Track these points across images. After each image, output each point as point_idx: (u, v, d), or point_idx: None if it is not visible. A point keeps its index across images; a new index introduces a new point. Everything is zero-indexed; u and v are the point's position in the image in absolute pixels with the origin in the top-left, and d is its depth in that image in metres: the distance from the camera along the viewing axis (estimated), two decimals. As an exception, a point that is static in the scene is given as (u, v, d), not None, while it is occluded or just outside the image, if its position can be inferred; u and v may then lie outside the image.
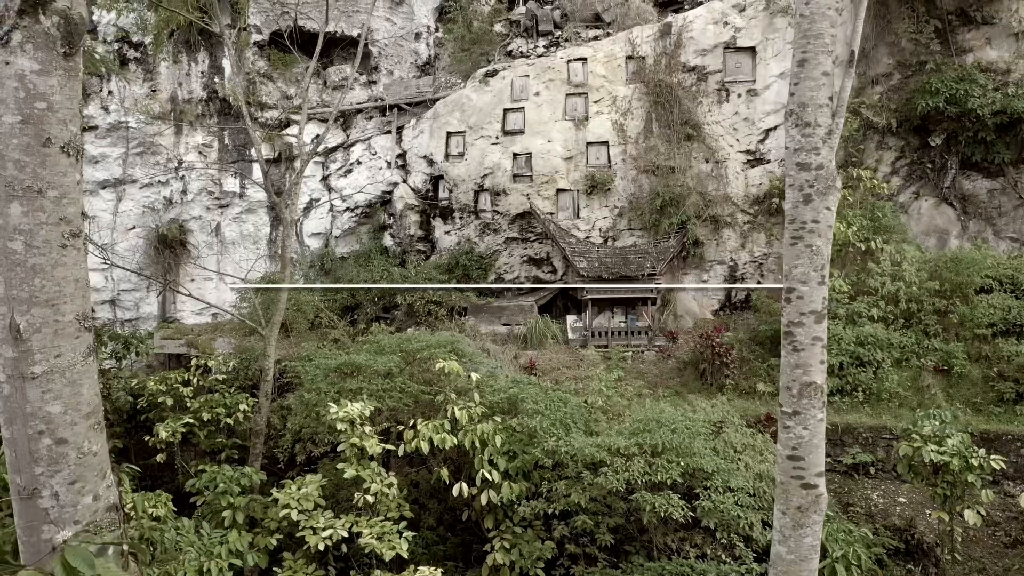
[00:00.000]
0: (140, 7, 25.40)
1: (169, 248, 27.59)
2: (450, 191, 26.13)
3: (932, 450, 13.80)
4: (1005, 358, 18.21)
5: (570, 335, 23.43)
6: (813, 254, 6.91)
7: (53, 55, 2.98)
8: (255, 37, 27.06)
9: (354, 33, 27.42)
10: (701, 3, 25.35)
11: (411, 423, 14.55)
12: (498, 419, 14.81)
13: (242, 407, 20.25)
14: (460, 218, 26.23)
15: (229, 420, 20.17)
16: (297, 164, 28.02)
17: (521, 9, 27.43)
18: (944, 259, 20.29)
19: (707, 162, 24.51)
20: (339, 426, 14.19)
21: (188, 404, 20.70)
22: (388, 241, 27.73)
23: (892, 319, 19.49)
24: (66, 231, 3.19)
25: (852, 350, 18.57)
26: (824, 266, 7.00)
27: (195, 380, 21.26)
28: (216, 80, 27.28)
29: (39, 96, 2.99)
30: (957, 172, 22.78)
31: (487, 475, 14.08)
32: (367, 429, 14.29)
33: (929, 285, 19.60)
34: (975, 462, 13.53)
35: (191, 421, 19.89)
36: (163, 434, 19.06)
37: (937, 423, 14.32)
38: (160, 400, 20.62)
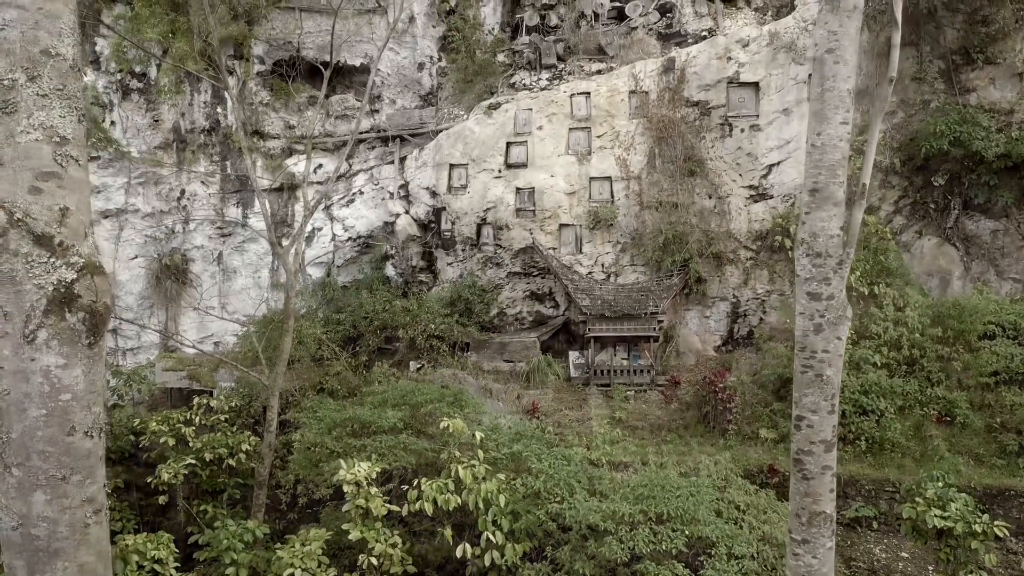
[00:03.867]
0: (143, 43, 25.37)
1: (171, 277, 27.57)
2: (452, 223, 26.13)
3: (936, 515, 13.81)
4: (1008, 408, 18.23)
5: (572, 372, 23.44)
6: (824, 384, 6.91)
7: (78, 347, 2.98)
8: (257, 68, 27.03)
9: (356, 63, 27.43)
10: (704, 38, 25.34)
11: (415, 483, 14.57)
12: (502, 476, 14.82)
13: (244, 447, 20.37)
14: (462, 251, 26.22)
15: (231, 461, 20.24)
16: (299, 194, 28.12)
17: (524, 39, 27.40)
18: (947, 304, 20.29)
19: (710, 198, 24.51)
20: (345, 488, 14.22)
21: (191, 443, 20.76)
22: (390, 271, 27.73)
23: (895, 366, 19.50)
24: (89, 511, 3.18)
25: (856, 398, 18.58)
26: (834, 395, 7.00)
27: (197, 419, 21.29)
28: (219, 110, 27.25)
29: (64, 388, 2.97)
30: (960, 212, 22.80)
31: (491, 536, 14.11)
32: (373, 490, 14.31)
33: (932, 332, 19.62)
34: (979, 528, 13.54)
35: (193, 462, 19.97)
36: (165, 476, 19.09)
37: (940, 485, 14.33)
38: (162, 440, 20.68)
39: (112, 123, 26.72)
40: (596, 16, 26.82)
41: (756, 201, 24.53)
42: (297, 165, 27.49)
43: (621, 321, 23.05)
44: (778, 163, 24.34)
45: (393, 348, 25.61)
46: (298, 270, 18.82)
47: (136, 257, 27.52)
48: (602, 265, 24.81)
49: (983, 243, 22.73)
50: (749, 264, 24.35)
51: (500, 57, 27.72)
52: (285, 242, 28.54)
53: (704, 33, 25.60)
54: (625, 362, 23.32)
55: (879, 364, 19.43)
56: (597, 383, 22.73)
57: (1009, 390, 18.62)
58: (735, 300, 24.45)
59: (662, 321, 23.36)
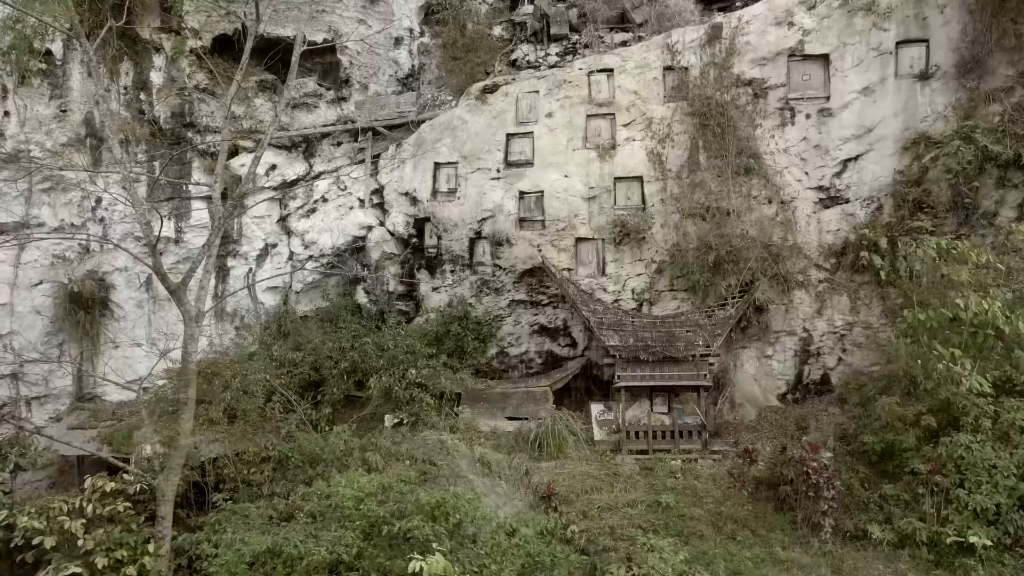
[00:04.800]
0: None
1: (85, 308, 21.86)
2: (439, 237, 20.58)
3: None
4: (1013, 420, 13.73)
5: (596, 434, 17.81)
6: None
7: None
8: (192, 43, 21.46)
9: (318, 38, 21.85)
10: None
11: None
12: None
13: (151, 547, 14.98)
14: (452, 272, 20.64)
15: (131, 572, 14.76)
16: (249, 202, 22.51)
17: (528, 8, 21.95)
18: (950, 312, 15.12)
19: (770, 202, 19.02)
20: None
21: (80, 542, 15.22)
22: (362, 298, 22.10)
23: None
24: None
25: (1012, 485, 13.06)
26: None
27: (90, 508, 15.64)
28: (142, 97, 21.68)
29: None
30: (963, 221, 17.71)
31: None
32: None
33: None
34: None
35: (77, 572, 14.59)
36: (32, 599, 13.52)
37: None
38: (35, 542, 15.12)
39: (6, 114, 21.12)
40: (618, -24, 21.41)
41: (828, 206, 19.10)
42: (244, 166, 21.90)
43: (660, 365, 17.52)
44: (856, 157, 18.92)
45: (364, 397, 19.92)
46: (202, 314, 13.13)
47: (41, 283, 21.82)
48: (632, 291, 19.27)
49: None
50: (823, 288, 18.83)
51: (497, 30, 22.29)
52: (231, 263, 23.06)
53: (757, -7, 20.15)
54: (666, 419, 17.73)
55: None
56: (630, 448, 17.12)
57: (1010, 400, 14.42)
58: (805, 335, 18.91)
59: (713, 364, 17.84)
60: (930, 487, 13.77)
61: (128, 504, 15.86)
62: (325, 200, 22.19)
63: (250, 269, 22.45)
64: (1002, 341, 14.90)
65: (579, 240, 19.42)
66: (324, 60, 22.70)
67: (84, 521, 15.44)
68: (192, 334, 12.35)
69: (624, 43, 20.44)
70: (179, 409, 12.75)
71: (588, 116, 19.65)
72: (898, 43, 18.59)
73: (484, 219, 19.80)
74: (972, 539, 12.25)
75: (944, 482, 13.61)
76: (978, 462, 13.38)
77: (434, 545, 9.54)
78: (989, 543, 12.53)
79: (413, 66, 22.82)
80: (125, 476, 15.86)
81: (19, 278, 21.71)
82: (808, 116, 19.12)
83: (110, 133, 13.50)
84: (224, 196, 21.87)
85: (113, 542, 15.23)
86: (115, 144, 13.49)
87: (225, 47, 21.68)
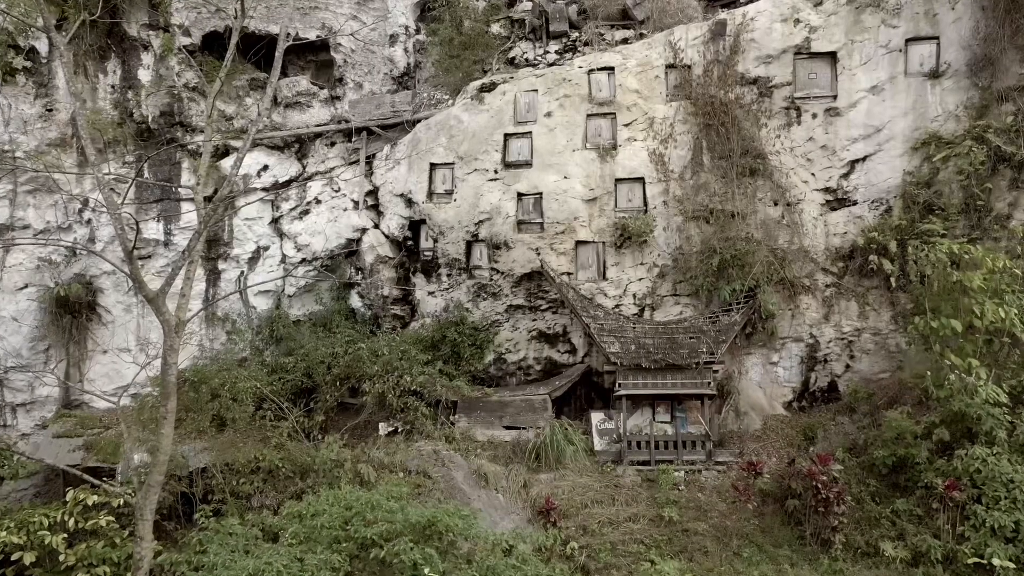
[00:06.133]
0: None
1: (72, 313, 21.30)
2: (435, 240, 20.00)
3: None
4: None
5: (597, 444, 17.25)
6: None
7: None
8: (182, 40, 20.89)
9: (311, 35, 21.32)
10: (763, -5, 19.32)
11: None
12: None
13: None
14: (448, 276, 20.06)
15: (114, 586, 14.21)
16: (240, 201, 21.96)
17: (526, 5, 21.39)
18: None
19: (775, 204, 18.48)
20: None
21: (61, 558, 14.69)
22: (356, 302, 21.52)
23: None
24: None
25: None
26: None
27: (72, 521, 15.10)
28: (130, 96, 21.10)
29: None
30: (975, 222, 17.18)
31: None
32: None
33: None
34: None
35: (59, 589, 14.00)
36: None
37: None
38: (16, 558, 14.57)
39: (-11, 113, 20.57)
40: (619, -28, 20.82)
41: (835, 208, 18.53)
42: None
43: (663, 373, 16.95)
44: (864, 158, 18.35)
45: (358, 404, 19.37)
46: (182, 323, 12.44)
47: (26, 287, 21.22)
48: (633, 296, 18.70)
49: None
50: (830, 292, 18.27)
51: (495, 28, 21.70)
52: (222, 266, 22.49)
53: (762, -11, 19.57)
54: (668, 428, 17.17)
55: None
56: (632, 459, 16.56)
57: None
58: (813, 341, 18.35)
59: (717, 372, 17.28)
60: (945, 502, 13.22)
61: (111, 518, 15.30)
62: (318, 202, 21.60)
63: (242, 272, 21.87)
64: (1018, 349, 14.34)
65: (579, 243, 18.84)
66: (317, 58, 22.17)
67: (66, 535, 14.94)
68: (172, 344, 11.74)
69: (625, 40, 19.87)
70: (158, 423, 12.13)
71: (588, 115, 19.06)
72: (907, 40, 18.02)
73: (481, 221, 19.22)
74: (995, 562, 11.65)
75: (959, 497, 13.06)
76: (995, 476, 12.83)
77: (426, 571, 8.98)
78: (1011, 565, 11.96)
79: (408, 64, 22.26)
80: (108, 488, 15.27)
81: (3, 282, 21.10)
82: (815, 116, 18.55)
83: (83, 133, 12.84)
84: (214, 194, 21.36)
85: (96, 558, 14.72)
86: (88, 144, 12.88)
87: (216, 45, 21.10)
